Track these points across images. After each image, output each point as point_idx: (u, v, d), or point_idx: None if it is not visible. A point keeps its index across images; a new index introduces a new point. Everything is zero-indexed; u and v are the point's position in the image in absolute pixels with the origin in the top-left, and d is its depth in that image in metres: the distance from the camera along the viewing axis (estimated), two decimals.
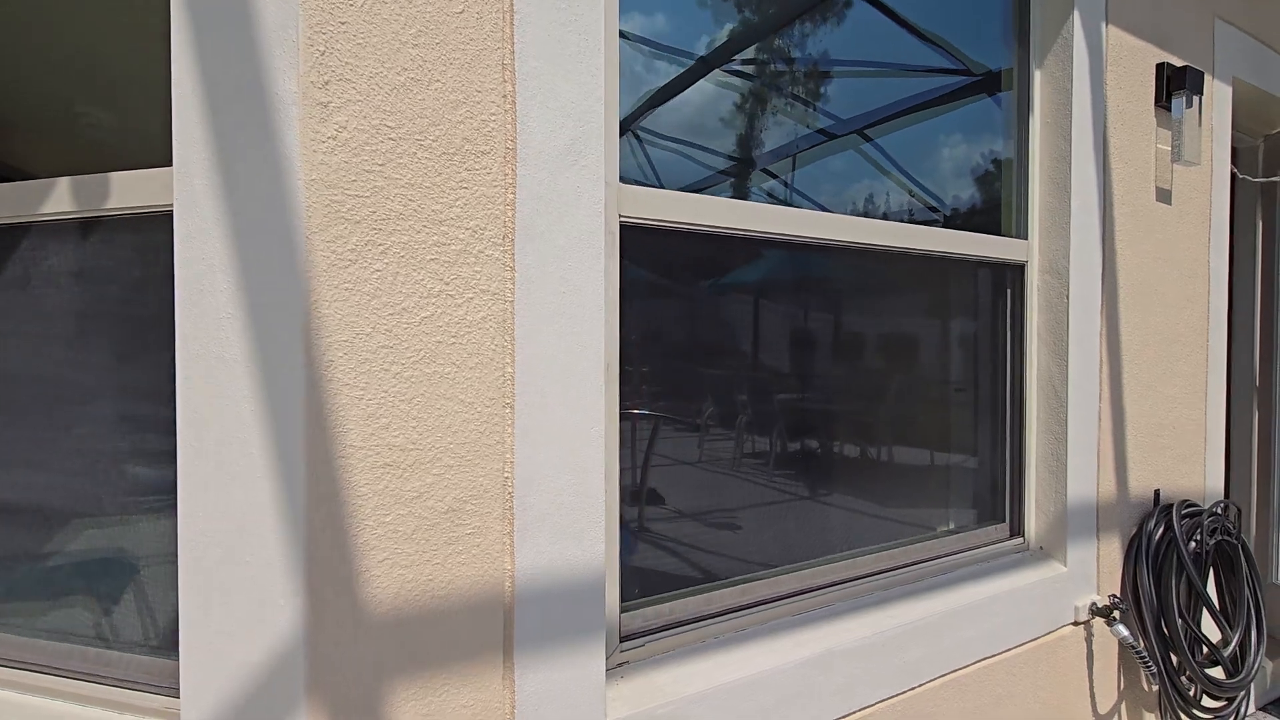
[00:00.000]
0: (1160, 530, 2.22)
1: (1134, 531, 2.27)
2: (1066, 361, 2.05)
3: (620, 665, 1.38)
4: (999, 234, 2.09)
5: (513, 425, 1.15)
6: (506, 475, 1.15)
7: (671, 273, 1.53)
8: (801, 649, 1.52)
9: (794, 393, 1.77)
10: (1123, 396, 2.21)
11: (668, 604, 1.49)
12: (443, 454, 1.09)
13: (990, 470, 2.18)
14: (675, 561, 1.57)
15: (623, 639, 1.40)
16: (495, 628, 1.14)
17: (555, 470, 1.19)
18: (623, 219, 1.36)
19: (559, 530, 1.19)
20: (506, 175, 1.13)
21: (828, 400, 1.84)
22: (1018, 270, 2.13)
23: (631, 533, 1.47)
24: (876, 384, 1.95)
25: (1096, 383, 2.12)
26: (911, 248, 1.85)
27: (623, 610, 1.43)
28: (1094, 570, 2.14)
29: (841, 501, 1.92)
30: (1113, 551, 2.20)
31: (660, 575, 1.54)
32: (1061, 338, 2.06)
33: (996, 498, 2.17)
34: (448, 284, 1.09)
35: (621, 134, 1.40)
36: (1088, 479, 2.11)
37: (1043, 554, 2.13)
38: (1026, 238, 2.12)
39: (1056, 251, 2.08)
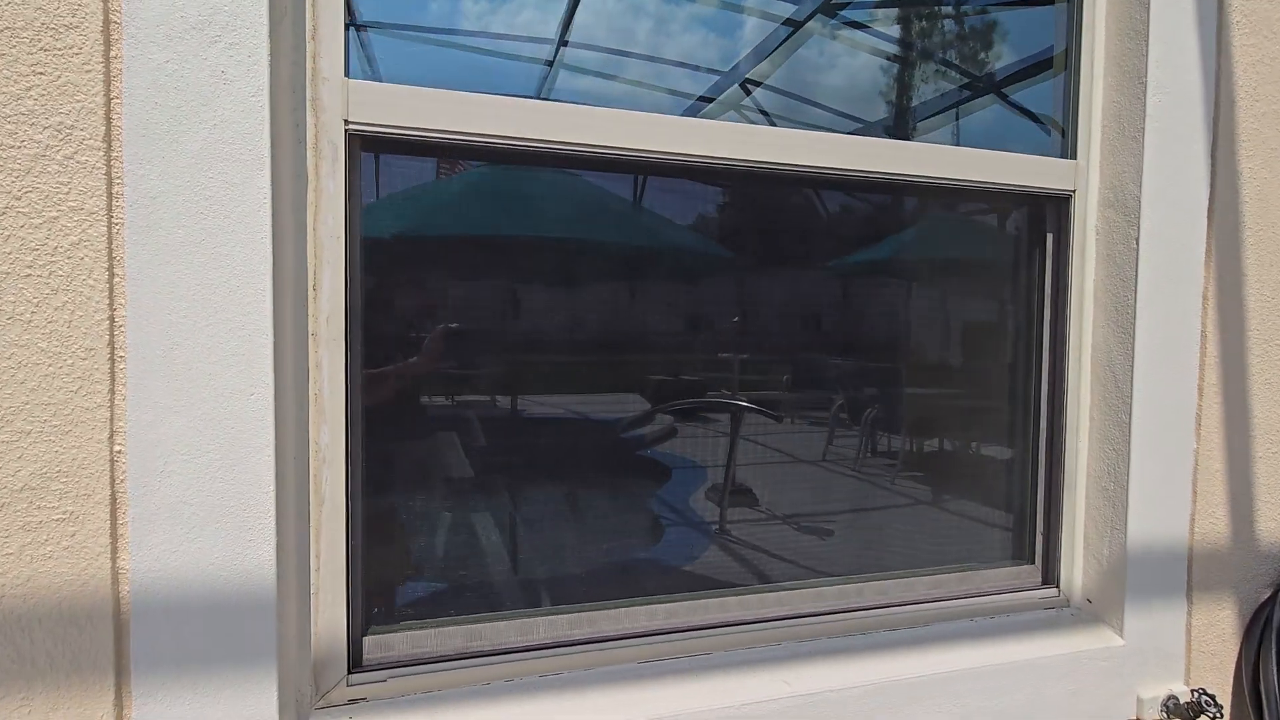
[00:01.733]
0: None
1: (1265, 598, 1.51)
2: (1133, 336, 1.38)
3: (355, 702, 1.08)
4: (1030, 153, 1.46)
5: (125, 384, 0.89)
6: (118, 449, 0.89)
7: (456, 208, 1.18)
8: (622, 711, 1.11)
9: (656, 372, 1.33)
10: (1247, 393, 1.47)
11: (438, 629, 1.15)
12: (13, 415, 0.85)
13: (1012, 488, 1.55)
14: (470, 575, 1.23)
15: (363, 668, 1.10)
16: (101, 645, 0.89)
17: (193, 445, 0.91)
18: (353, 126, 1.04)
19: (201, 523, 0.91)
20: (107, 56, 0.86)
21: (720, 376, 1.37)
22: (1060, 205, 1.47)
23: (390, 533, 1.16)
24: (816, 369, 1.44)
25: (1193, 369, 1.41)
26: (876, 173, 1.31)
27: (371, 632, 1.12)
28: (1178, 647, 1.44)
29: (749, 533, 1.44)
30: (1216, 625, 1.48)
31: (444, 593, 1.21)
32: (1127, 301, 1.39)
33: (1021, 528, 1.54)
34: (18, 199, 0.84)
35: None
36: (1171, 512, 1.42)
37: (1088, 614, 1.48)
38: (1075, 156, 1.46)
39: (1124, 175, 1.40)
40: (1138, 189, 1.37)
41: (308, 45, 1.02)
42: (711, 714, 1.14)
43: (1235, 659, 1.51)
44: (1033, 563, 1.52)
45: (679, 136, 1.18)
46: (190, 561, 0.91)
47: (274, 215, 0.93)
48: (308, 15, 1.01)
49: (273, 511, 0.93)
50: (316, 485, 1.05)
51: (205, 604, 0.92)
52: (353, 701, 1.08)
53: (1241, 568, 1.49)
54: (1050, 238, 1.48)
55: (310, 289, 1.03)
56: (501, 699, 1.12)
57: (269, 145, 0.92)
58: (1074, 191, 1.44)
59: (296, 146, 1.01)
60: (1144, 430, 1.39)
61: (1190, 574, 1.45)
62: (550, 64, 1.30)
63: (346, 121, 1.03)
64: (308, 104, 1.02)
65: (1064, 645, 1.37)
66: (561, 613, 1.22)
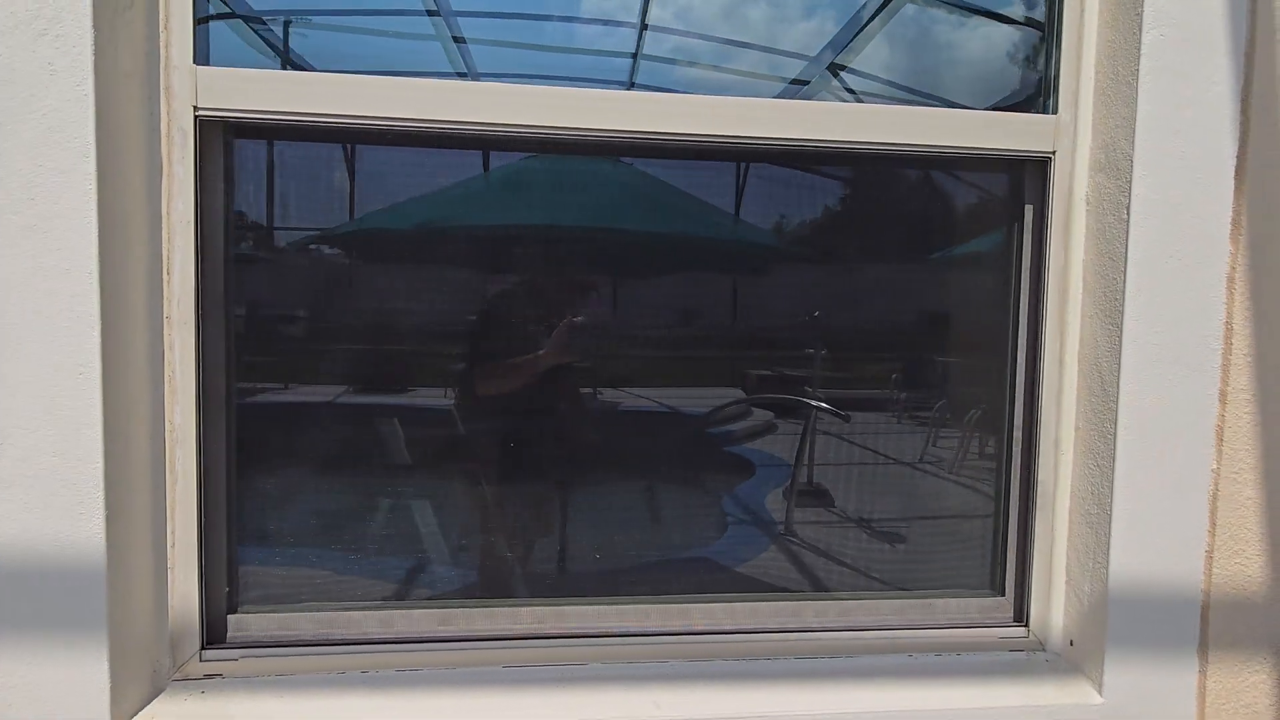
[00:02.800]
0: None
1: None
2: (1120, 328, 1.12)
3: (211, 678, 1.11)
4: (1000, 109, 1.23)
5: None
6: None
7: (324, 191, 1.17)
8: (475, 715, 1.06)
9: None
10: None
11: (298, 614, 1.16)
12: None
13: (980, 509, 1.32)
14: (335, 563, 1.22)
15: (217, 645, 1.12)
16: None
17: (30, 421, 0.95)
18: (203, 111, 1.05)
19: (37, 496, 0.96)
20: None
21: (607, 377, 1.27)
22: (1038, 170, 1.22)
23: (248, 515, 1.17)
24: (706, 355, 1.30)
25: (1212, 370, 1.13)
26: (822, 141, 1.15)
27: (231, 611, 1.14)
28: (1189, 716, 1.16)
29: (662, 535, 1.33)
30: (1246, 693, 1.18)
31: (305, 578, 1.21)
32: (1115, 284, 1.13)
33: (989, 555, 1.31)
34: None
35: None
36: (1176, 545, 1.14)
37: (1065, 662, 1.23)
38: (1055, 110, 1.20)
39: (1116, 131, 1.14)
40: (1130, 146, 1.11)
41: (160, 35, 1.04)
42: None
43: None
44: (1003, 595, 1.28)
45: (560, 109, 1.10)
46: (23, 531, 0.96)
47: (109, 201, 0.96)
48: (160, 7, 1.03)
49: (101, 486, 0.97)
50: (170, 464, 1.08)
51: (38, 573, 0.97)
52: (208, 677, 1.11)
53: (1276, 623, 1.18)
54: (1030, 211, 1.24)
55: (165, 273, 1.06)
56: (357, 689, 1.11)
57: (94, 133, 0.94)
58: (1053, 153, 1.19)
59: (150, 134, 1.04)
60: (1136, 443, 1.12)
61: (1206, 625, 1.16)
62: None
63: (195, 108, 1.05)
64: (161, 92, 1.04)
65: (1018, 695, 1.15)
66: (427, 607, 1.19)
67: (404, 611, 1.18)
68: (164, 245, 1.06)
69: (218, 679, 1.11)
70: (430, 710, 1.08)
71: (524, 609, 1.21)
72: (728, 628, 1.22)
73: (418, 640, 1.16)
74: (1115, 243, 1.13)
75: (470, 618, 1.19)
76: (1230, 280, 1.13)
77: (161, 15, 1.04)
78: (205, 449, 1.10)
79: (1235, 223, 1.13)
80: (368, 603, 1.20)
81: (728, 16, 1.26)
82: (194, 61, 1.05)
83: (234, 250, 1.12)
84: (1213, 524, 1.15)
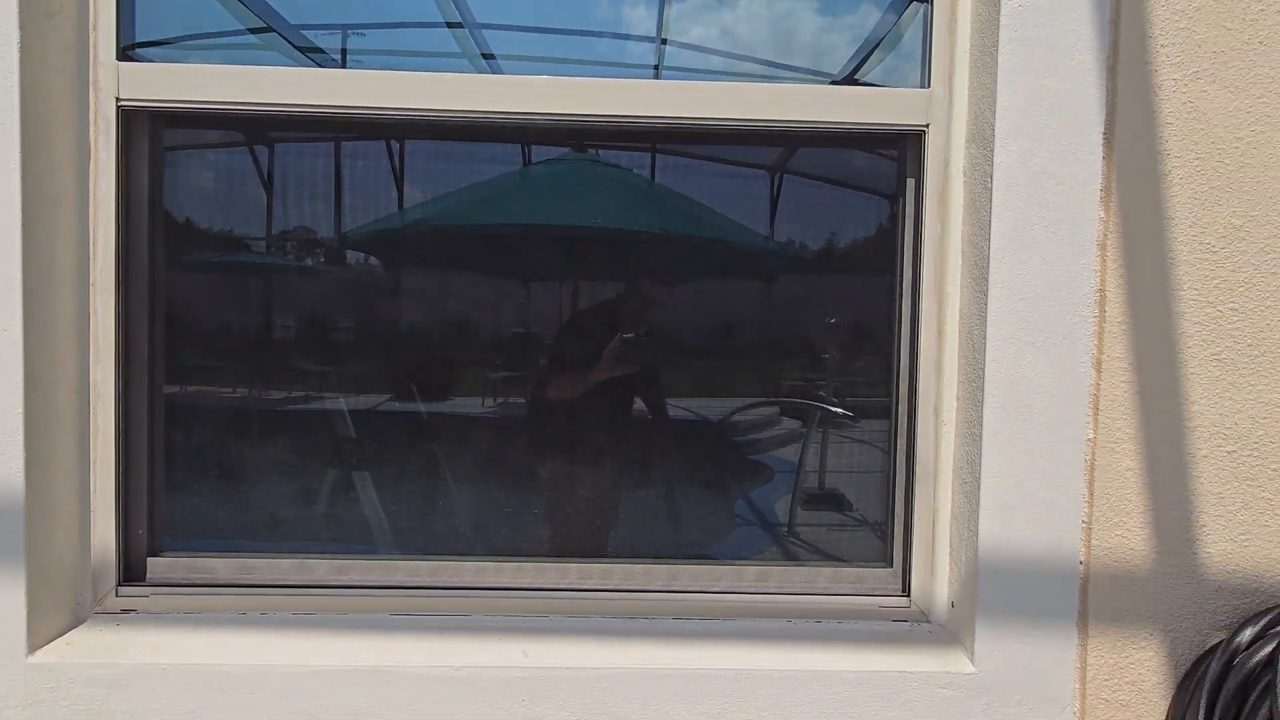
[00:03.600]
0: (1267, 651, 1.08)
1: (1210, 645, 1.15)
2: (986, 295, 1.13)
3: (127, 612, 1.22)
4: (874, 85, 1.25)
5: None
6: None
7: (245, 173, 1.28)
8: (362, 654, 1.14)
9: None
10: (1181, 373, 1.13)
11: (213, 558, 1.26)
12: None
13: (871, 482, 1.33)
14: (252, 512, 1.32)
15: (133, 583, 1.23)
16: None
17: None
18: (124, 102, 1.17)
19: None
20: None
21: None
22: (913, 144, 1.24)
23: (165, 465, 1.28)
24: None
25: (1084, 339, 1.12)
26: (686, 119, 1.20)
27: (150, 554, 1.25)
28: (1064, 690, 1.14)
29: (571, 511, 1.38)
30: (1131, 669, 1.15)
31: (220, 525, 1.31)
32: (983, 252, 1.14)
33: (882, 528, 1.32)
34: None
35: None
36: (1050, 515, 1.13)
37: (944, 632, 1.22)
38: (929, 84, 1.22)
39: (982, 102, 1.15)
40: (992, 115, 1.12)
41: (90, 35, 1.17)
42: (434, 670, 1.13)
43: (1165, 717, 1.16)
44: (890, 566, 1.29)
45: (436, 92, 1.19)
46: None
47: (34, 182, 1.09)
48: (90, 11, 1.17)
49: (20, 433, 1.09)
50: (94, 416, 1.20)
51: None
52: (125, 611, 1.22)
53: (1175, 599, 1.14)
54: (911, 184, 1.26)
55: (91, 245, 1.19)
56: (256, 628, 1.20)
57: (18, 123, 1.07)
58: (927, 126, 1.21)
59: (80, 122, 1.17)
60: (1003, 411, 1.13)
61: (1086, 597, 1.14)
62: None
63: (118, 99, 1.17)
64: (90, 85, 1.18)
65: (889, 662, 1.16)
66: (329, 558, 1.27)
67: (308, 561, 1.27)
68: (90, 220, 1.18)
69: (132, 614, 1.22)
70: (319, 649, 1.16)
71: (421, 563, 1.28)
72: (609, 586, 1.27)
73: (315, 586, 1.24)
74: (982, 211, 1.14)
75: (369, 569, 1.27)
76: (1102, 247, 1.12)
77: (91, 17, 1.17)
78: (126, 406, 1.22)
79: (1106, 190, 1.12)
80: (277, 553, 1.29)
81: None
82: (118, 58, 1.18)
83: (158, 225, 1.24)
84: (1090, 494, 1.14)
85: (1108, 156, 1.12)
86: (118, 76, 1.17)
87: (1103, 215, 1.12)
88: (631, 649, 1.18)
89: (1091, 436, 1.14)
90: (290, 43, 1.30)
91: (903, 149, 1.26)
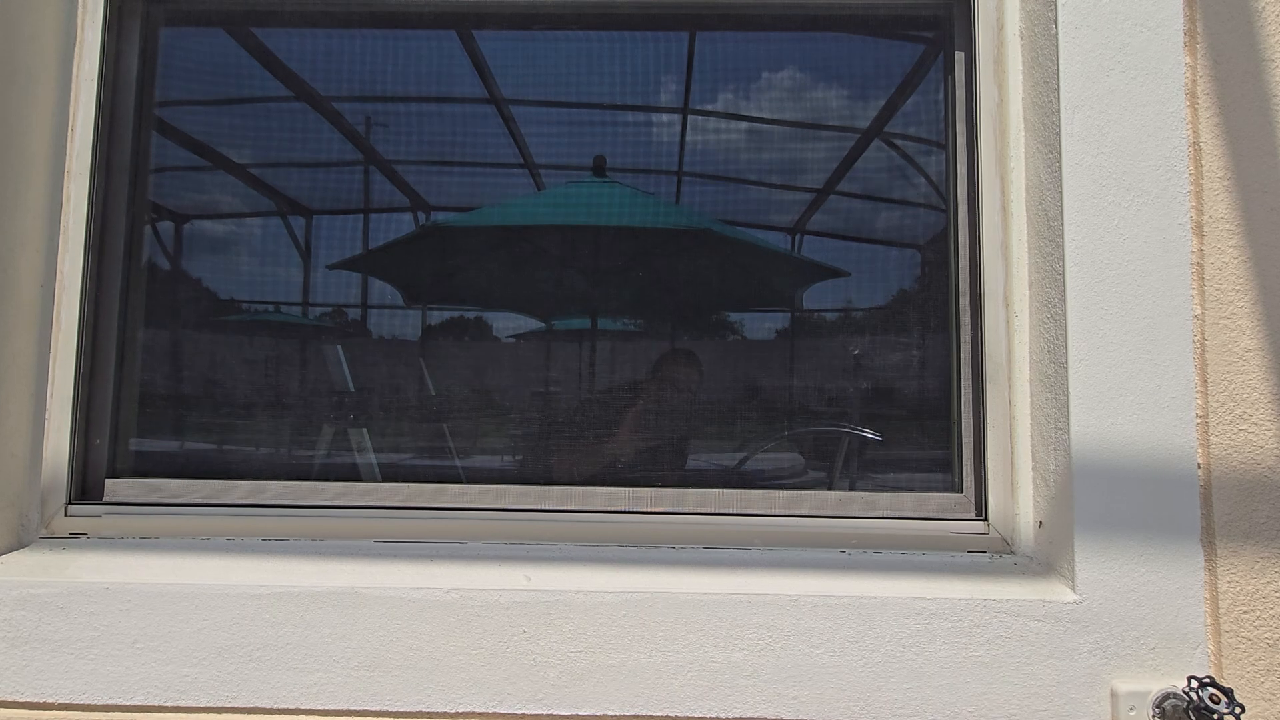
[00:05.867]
0: None
1: None
2: (1059, 153, 0.98)
3: (76, 536, 1.06)
4: None
5: None
6: None
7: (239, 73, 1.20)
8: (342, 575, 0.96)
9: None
10: None
11: (170, 479, 1.10)
12: None
13: (930, 393, 1.15)
14: (211, 430, 1.17)
15: (85, 501, 1.08)
16: None
17: None
18: None
19: None
20: None
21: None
22: (962, 7, 1.12)
23: (131, 372, 1.14)
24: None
25: (1179, 198, 0.96)
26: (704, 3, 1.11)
27: (118, 475, 1.11)
28: (1193, 619, 0.92)
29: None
30: (1275, 596, 0.92)
31: (178, 442, 1.16)
32: (1051, 107, 1.00)
33: (946, 446, 1.12)
34: None
35: None
36: (1156, 408, 0.94)
37: (1033, 563, 1.01)
38: None
39: None
40: None
41: None
42: (417, 593, 0.95)
43: None
44: (960, 491, 1.09)
45: None
46: None
47: (8, 53, 1.02)
48: None
49: None
50: (56, 312, 1.08)
51: None
52: (73, 535, 1.06)
53: None
54: (960, 56, 1.13)
55: (70, 129, 1.11)
56: (219, 554, 1.03)
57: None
58: None
59: (69, 5, 1.11)
60: (1089, 285, 0.96)
61: (1209, 508, 0.93)
62: None
63: None
64: None
65: (965, 588, 0.95)
66: (295, 478, 1.11)
67: (285, 484, 1.11)
68: (70, 103, 1.11)
69: (82, 538, 1.06)
70: (286, 571, 0.99)
71: (406, 485, 1.12)
72: (631, 508, 1.08)
73: (292, 507, 1.08)
74: (1048, 63, 1.01)
75: (353, 491, 1.11)
76: (1191, 95, 0.98)
77: None
78: (96, 304, 1.11)
79: (1189, 31, 0.98)
80: (248, 472, 1.13)
81: None
82: None
83: (146, 113, 1.16)
84: (1203, 381, 0.95)
85: None
86: None
87: (1188, 60, 0.98)
88: (654, 575, 0.98)
89: (1199, 312, 0.95)
90: None
91: (947, 19, 1.15)
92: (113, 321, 1.12)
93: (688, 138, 1.27)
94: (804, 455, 1.26)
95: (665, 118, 1.27)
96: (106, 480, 1.10)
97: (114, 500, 1.09)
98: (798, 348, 1.29)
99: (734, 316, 1.34)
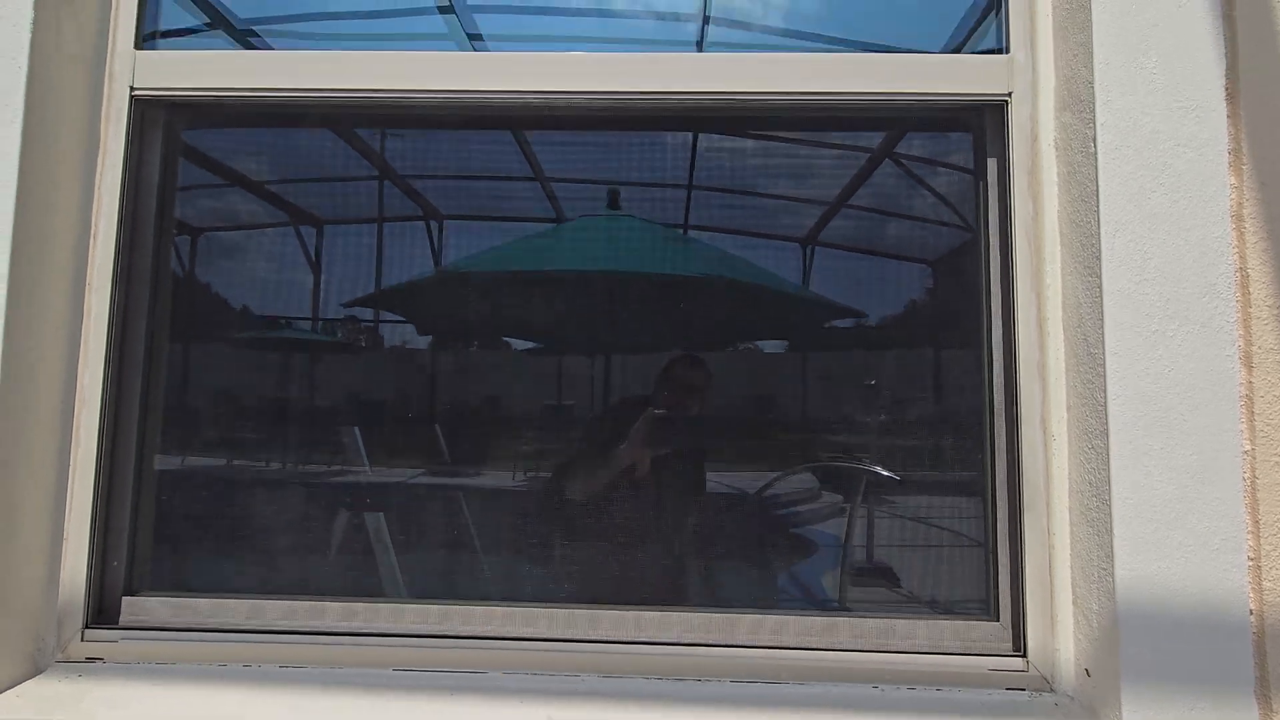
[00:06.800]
0: None
1: None
2: (1099, 278, 0.94)
3: (92, 661, 1.04)
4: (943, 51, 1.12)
5: None
6: None
7: (267, 170, 1.20)
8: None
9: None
10: None
11: (190, 599, 1.09)
12: None
13: (967, 514, 1.11)
14: (236, 548, 1.15)
15: (103, 625, 1.06)
16: None
17: None
18: (139, 91, 1.11)
19: None
20: None
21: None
22: (992, 117, 1.09)
23: (150, 487, 1.13)
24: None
25: (1227, 327, 0.92)
26: (763, 94, 1.09)
27: (137, 593, 1.09)
28: None
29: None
30: None
31: (202, 562, 1.15)
32: (1090, 230, 0.97)
33: (981, 571, 1.08)
34: None
35: None
36: (1205, 547, 0.90)
37: (1076, 706, 0.97)
38: (1008, 49, 1.09)
39: (1075, 60, 1.01)
40: (1089, 72, 0.97)
41: (110, 23, 1.13)
42: None
43: None
44: (996, 619, 1.05)
45: (452, 71, 1.10)
46: None
47: (32, 167, 1.01)
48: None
49: None
50: (76, 428, 1.08)
51: None
52: (90, 660, 1.05)
53: None
54: (993, 163, 1.10)
55: (91, 240, 1.10)
56: (235, 683, 1.01)
57: (22, 108, 1.00)
58: (1010, 95, 1.07)
59: (93, 112, 1.11)
60: (1133, 418, 0.92)
61: (1263, 657, 0.89)
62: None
63: (132, 88, 1.11)
64: (106, 74, 1.12)
65: None
66: (324, 599, 1.09)
67: (302, 603, 1.09)
68: (93, 214, 1.10)
69: (98, 663, 1.04)
70: (304, 709, 0.96)
71: (431, 607, 1.09)
72: (657, 638, 1.05)
73: (311, 633, 1.06)
74: (1086, 182, 0.98)
75: (372, 614, 1.08)
76: (1237, 218, 0.94)
77: (114, 3, 1.13)
78: (116, 417, 1.10)
79: (1235, 151, 0.95)
80: (269, 593, 1.12)
81: None
82: (136, 46, 1.13)
83: (166, 223, 1.15)
84: (1254, 522, 0.90)
85: (1232, 114, 0.95)
86: (134, 65, 1.12)
87: (1233, 181, 0.95)
88: (679, 714, 0.95)
89: (1248, 448, 0.91)
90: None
91: (979, 125, 1.12)
92: (131, 438, 1.11)
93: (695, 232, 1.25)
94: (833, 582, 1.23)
95: (679, 212, 1.25)
96: (124, 599, 1.09)
97: (130, 624, 1.07)
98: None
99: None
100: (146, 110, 1.13)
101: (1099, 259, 0.95)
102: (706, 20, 1.21)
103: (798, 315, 1.26)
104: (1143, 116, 0.95)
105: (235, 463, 1.20)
